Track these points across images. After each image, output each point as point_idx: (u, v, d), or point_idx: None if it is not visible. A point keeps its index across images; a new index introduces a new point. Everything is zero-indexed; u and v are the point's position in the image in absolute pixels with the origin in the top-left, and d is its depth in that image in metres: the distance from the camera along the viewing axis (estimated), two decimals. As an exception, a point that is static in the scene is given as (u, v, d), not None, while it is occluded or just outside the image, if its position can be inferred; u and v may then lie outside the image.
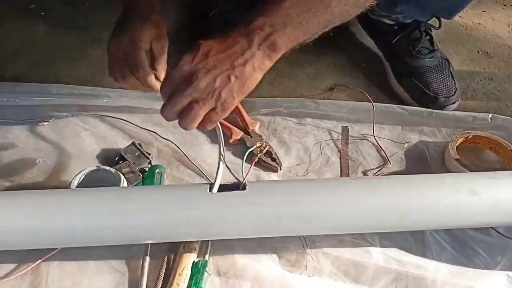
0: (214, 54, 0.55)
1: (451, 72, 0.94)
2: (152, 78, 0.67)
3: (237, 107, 0.86)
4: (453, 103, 0.91)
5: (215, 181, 0.61)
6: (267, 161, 0.80)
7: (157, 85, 0.67)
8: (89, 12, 1.09)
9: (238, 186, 0.62)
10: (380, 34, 0.97)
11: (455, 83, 0.92)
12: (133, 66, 0.66)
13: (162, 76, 0.68)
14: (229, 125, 0.84)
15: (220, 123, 0.80)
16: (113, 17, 1.06)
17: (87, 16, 1.08)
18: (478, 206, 0.62)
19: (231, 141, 0.82)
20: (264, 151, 0.80)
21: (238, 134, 0.83)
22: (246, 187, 0.62)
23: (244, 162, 0.63)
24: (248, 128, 0.84)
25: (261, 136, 0.84)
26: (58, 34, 1.04)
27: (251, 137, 0.83)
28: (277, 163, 0.80)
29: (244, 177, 0.62)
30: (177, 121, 0.57)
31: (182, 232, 0.62)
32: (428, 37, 0.94)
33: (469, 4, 0.83)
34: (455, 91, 0.91)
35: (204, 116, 0.56)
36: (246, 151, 0.81)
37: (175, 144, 0.82)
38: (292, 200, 0.62)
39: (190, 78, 0.55)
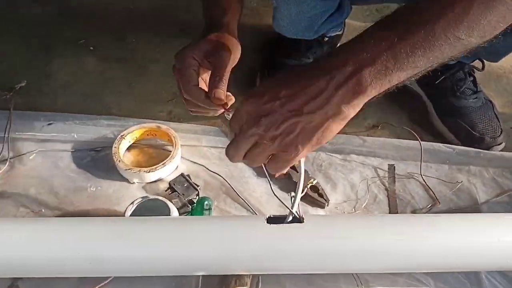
0: (284, 94, 0.47)
1: (495, 113, 0.94)
2: (200, 97, 0.61)
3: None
4: (499, 144, 0.90)
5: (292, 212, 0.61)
6: (314, 197, 0.80)
7: (207, 104, 0.61)
8: (134, 48, 1.13)
9: (295, 219, 0.61)
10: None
11: (500, 124, 0.92)
12: (182, 86, 0.63)
13: (220, 91, 0.60)
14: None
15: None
16: (157, 52, 1.13)
17: (133, 51, 1.12)
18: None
19: (277, 175, 0.82)
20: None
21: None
22: (304, 220, 0.61)
23: (299, 195, 0.62)
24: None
25: (306, 171, 0.84)
26: (106, 68, 1.08)
27: (297, 172, 0.83)
28: (324, 199, 0.80)
29: (299, 210, 0.61)
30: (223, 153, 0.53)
31: (238, 263, 0.61)
32: (471, 78, 0.95)
33: None
34: (500, 132, 0.91)
35: (270, 158, 0.52)
36: (293, 185, 0.82)
37: (222, 177, 0.83)
38: (350, 234, 0.61)
39: (256, 117, 0.49)
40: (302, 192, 0.61)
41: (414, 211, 0.80)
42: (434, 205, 0.80)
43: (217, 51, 0.63)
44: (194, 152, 0.87)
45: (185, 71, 0.62)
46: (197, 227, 0.62)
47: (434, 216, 0.68)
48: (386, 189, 0.83)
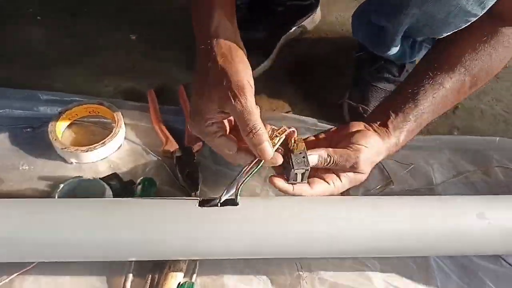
0: None
1: None
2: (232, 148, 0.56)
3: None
4: None
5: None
6: (187, 183, 0.73)
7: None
8: (86, 19, 1.06)
9: (230, 201, 0.57)
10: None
11: None
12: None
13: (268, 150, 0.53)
14: (168, 134, 0.79)
15: (161, 129, 0.79)
16: (111, 28, 1.05)
17: (84, 23, 1.05)
18: (486, 231, 0.57)
19: (161, 149, 0.78)
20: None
21: (172, 146, 0.77)
22: (239, 203, 0.57)
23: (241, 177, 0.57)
24: (185, 145, 0.78)
25: (194, 157, 0.77)
26: (54, 39, 1.01)
27: (183, 155, 0.76)
28: (195, 187, 0.72)
29: (237, 192, 0.57)
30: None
31: (168, 248, 0.57)
32: None
33: None
34: None
35: None
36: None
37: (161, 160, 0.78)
38: (287, 218, 0.58)
39: None
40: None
41: (366, 192, 0.77)
42: (388, 186, 0.77)
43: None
44: (140, 130, 0.82)
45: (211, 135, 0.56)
46: (125, 210, 0.58)
47: (378, 198, 0.64)
48: (339, 169, 0.80)
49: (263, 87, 0.94)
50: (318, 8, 1.08)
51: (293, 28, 1.03)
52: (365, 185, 0.77)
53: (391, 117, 0.64)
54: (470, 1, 0.58)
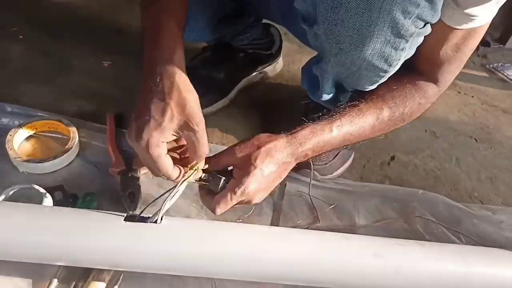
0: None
1: None
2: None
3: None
4: None
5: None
6: (127, 201, 0.78)
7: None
8: (65, 42, 1.15)
9: (151, 218, 0.63)
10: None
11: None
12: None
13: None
14: (118, 155, 0.85)
15: (113, 150, 0.86)
16: (86, 53, 1.13)
17: (62, 46, 1.14)
18: (382, 270, 0.64)
19: (110, 170, 0.83)
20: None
21: (119, 166, 0.83)
22: (161, 220, 0.63)
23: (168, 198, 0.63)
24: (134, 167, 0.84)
25: (139, 178, 0.82)
26: (29, 57, 1.09)
27: (128, 176, 0.82)
28: (133, 206, 0.78)
29: (160, 210, 0.63)
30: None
31: (91, 257, 0.62)
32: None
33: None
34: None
35: None
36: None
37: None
38: (204, 239, 0.63)
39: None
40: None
41: (294, 227, 0.83)
42: (314, 223, 0.84)
43: (189, 119, 0.59)
44: (94, 149, 0.88)
45: (157, 159, 0.59)
46: (52, 215, 0.63)
47: (289, 230, 0.71)
48: (274, 204, 0.86)
49: (218, 122, 1.02)
50: (280, 58, 1.18)
51: (254, 73, 1.12)
52: (294, 221, 0.84)
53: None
54: (375, 56, 0.64)
